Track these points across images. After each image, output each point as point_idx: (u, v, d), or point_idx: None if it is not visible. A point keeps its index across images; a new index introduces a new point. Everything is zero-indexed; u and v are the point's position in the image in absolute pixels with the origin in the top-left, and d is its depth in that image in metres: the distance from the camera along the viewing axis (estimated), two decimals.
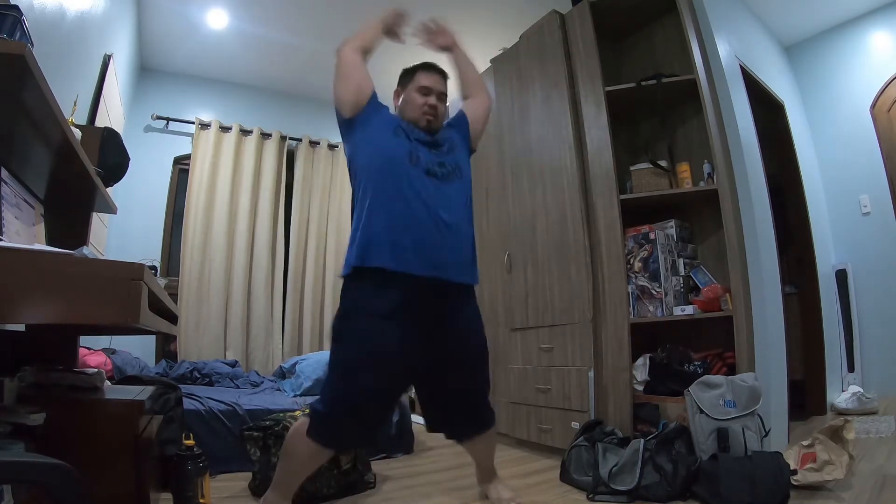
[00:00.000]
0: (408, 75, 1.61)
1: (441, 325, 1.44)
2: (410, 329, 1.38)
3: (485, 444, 1.64)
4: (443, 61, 1.70)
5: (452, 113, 1.76)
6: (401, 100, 1.61)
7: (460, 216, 1.49)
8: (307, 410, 1.79)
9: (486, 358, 1.59)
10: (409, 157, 1.44)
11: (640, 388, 2.16)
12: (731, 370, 2.00)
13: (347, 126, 1.53)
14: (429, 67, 1.60)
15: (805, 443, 1.77)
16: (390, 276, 1.35)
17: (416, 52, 1.78)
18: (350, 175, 1.56)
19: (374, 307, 1.36)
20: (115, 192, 2.13)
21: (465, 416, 1.57)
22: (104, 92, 2.43)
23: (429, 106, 1.54)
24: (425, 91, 1.55)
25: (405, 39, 1.74)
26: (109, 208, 1.78)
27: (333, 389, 1.37)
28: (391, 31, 1.69)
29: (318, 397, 1.41)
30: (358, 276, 1.39)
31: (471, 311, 1.54)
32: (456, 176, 1.52)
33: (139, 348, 3.17)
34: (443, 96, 1.59)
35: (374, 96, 1.54)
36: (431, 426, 1.61)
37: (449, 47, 1.74)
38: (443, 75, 1.62)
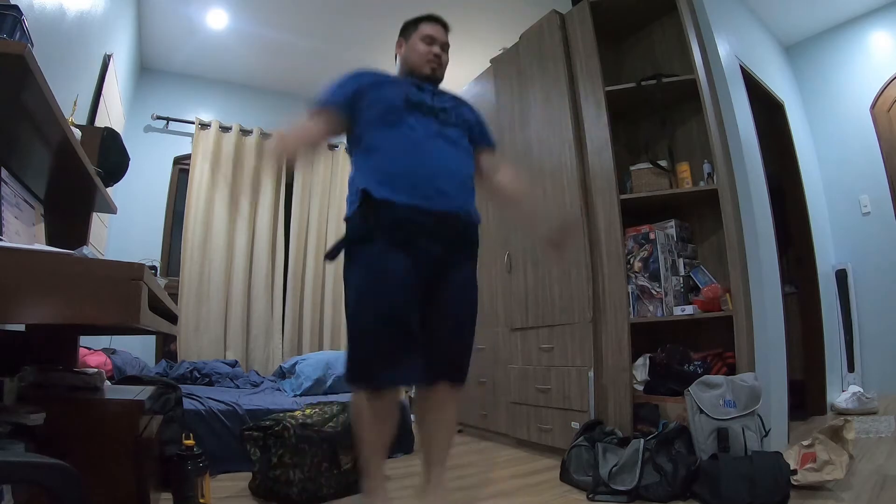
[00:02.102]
0: (411, 26, 1.61)
1: (443, 266, 1.42)
2: (415, 260, 1.36)
3: (444, 406, 1.50)
4: (442, 14, 1.63)
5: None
6: (404, 49, 1.60)
7: (463, 162, 1.49)
8: (308, 411, 1.77)
9: (474, 318, 1.53)
10: (405, 101, 1.44)
11: (640, 388, 2.16)
12: (731, 370, 2.00)
13: (351, 133, 1.52)
14: (432, 19, 1.60)
15: (805, 443, 1.77)
16: (396, 208, 1.34)
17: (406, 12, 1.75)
18: (348, 143, 1.55)
19: (384, 233, 1.34)
20: (115, 192, 2.13)
21: (441, 363, 1.46)
22: (104, 92, 2.43)
23: (433, 54, 1.54)
24: (429, 40, 1.55)
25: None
26: (109, 208, 1.77)
27: (356, 326, 1.36)
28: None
29: (347, 348, 1.40)
30: (360, 212, 1.37)
31: (470, 269, 1.52)
32: (456, 125, 1.50)
33: (139, 348, 3.17)
34: (446, 46, 1.60)
35: (338, 107, 1.47)
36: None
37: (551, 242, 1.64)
38: (445, 27, 1.62)
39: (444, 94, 1.57)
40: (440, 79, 1.58)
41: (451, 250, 1.43)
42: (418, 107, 1.45)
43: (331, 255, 1.45)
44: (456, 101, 1.59)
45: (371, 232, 1.35)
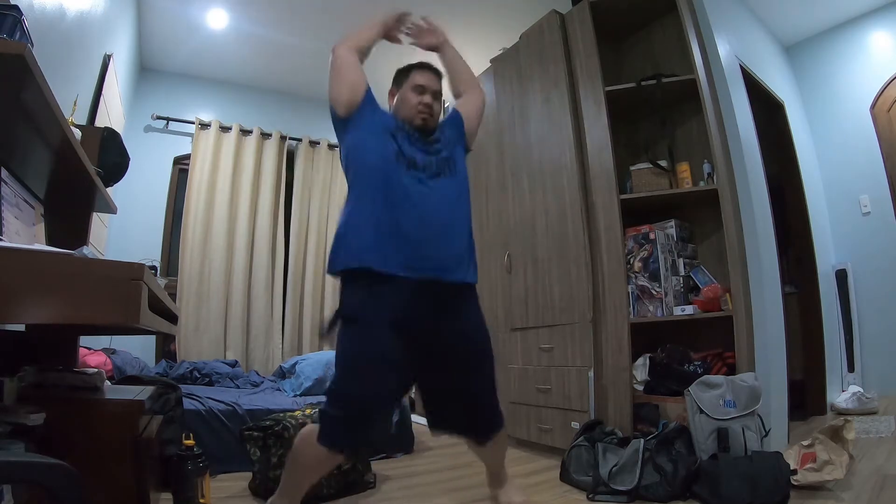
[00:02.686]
0: (402, 75, 1.61)
1: (442, 324, 1.41)
2: (412, 331, 1.36)
3: (493, 446, 1.59)
4: (434, 60, 1.69)
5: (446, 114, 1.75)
6: (395, 99, 1.60)
7: (456, 214, 1.48)
8: (308, 411, 1.78)
9: (490, 358, 1.53)
10: (396, 157, 1.43)
11: (640, 388, 2.16)
12: (731, 370, 2.00)
13: (341, 125, 1.52)
14: (423, 67, 1.60)
15: (805, 443, 1.77)
16: (383, 279, 1.34)
17: (406, 53, 1.77)
18: (345, 172, 1.55)
19: (373, 312, 1.34)
20: (115, 192, 2.13)
21: (471, 417, 1.52)
22: (104, 92, 2.43)
23: (423, 104, 1.53)
24: (420, 90, 1.54)
25: (403, 41, 1.73)
26: (109, 208, 1.77)
27: (342, 396, 1.36)
28: (391, 32, 1.68)
29: (324, 404, 1.39)
30: (352, 279, 1.38)
31: (472, 311, 1.51)
32: (449, 173, 1.50)
33: (139, 348, 3.17)
34: (437, 95, 1.59)
35: (368, 96, 1.52)
36: (434, 425, 1.59)
37: (439, 46, 1.72)
38: (437, 74, 1.62)
39: (436, 140, 1.55)
40: (433, 129, 1.56)
41: (448, 308, 1.43)
42: (411, 162, 1.44)
43: (325, 331, 1.44)
44: (445, 137, 1.57)
45: (364, 309, 1.35)
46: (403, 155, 1.44)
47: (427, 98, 1.54)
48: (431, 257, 1.38)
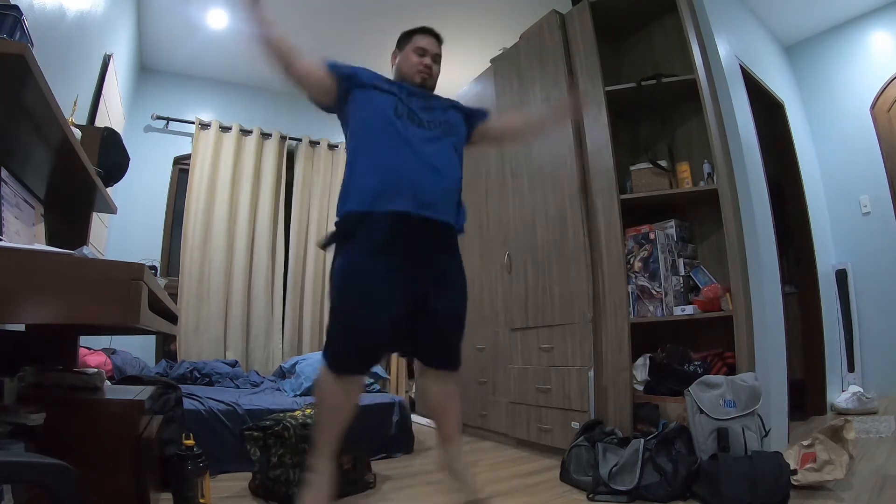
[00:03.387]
0: (406, 38, 1.68)
1: (427, 265, 1.48)
2: (398, 263, 1.42)
3: (449, 388, 1.60)
4: (436, 27, 1.71)
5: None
6: (397, 59, 1.68)
7: (447, 163, 1.53)
8: (308, 411, 1.80)
9: (465, 305, 1.61)
10: (394, 109, 1.50)
11: (640, 388, 2.16)
12: (731, 370, 2.00)
13: (332, 109, 1.60)
14: (426, 31, 1.68)
15: (805, 443, 1.77)
16: (377, 216, 1.41)
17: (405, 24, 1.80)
18: (346, 138, 1.61)
19: (363, 244, 1.41)
20: (115, 192, 2.13)
21: (435, 353, 1.58)
22: (104, 92, 2.43)
23: (424, 65, 1.61)
24: (421, 52, 1.63)
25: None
26: (109, 208, 1.77)
27: (340, 315, 1.45)
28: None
29: (327, 333, 1.50)
30: (347, 221, 1.45)
31: (455, 261, 1.59)
32: (445, 134, 1.56)
33: (139, 348, 3.17)
34: (437, 58, 1.67)
35: (337, 74, 1.55)
36: (406, 352, 1.67)
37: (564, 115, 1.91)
38: (438, 39, 1.69)
39: (433, 100, 1.62)
40: (431, 88, 1.66)
41: (435, 248, 1.50)
42: (407, 115, 1.51)
43: (323, 244, 1.55)
44: (444, 106, 1.64)
45: (358, 235, 1.42)
46: (401, 106, 1.52)
47: (427, 60, 1.63)
48: (427, 198, 1.45)
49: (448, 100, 1.68)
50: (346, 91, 1.55)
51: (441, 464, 1.62)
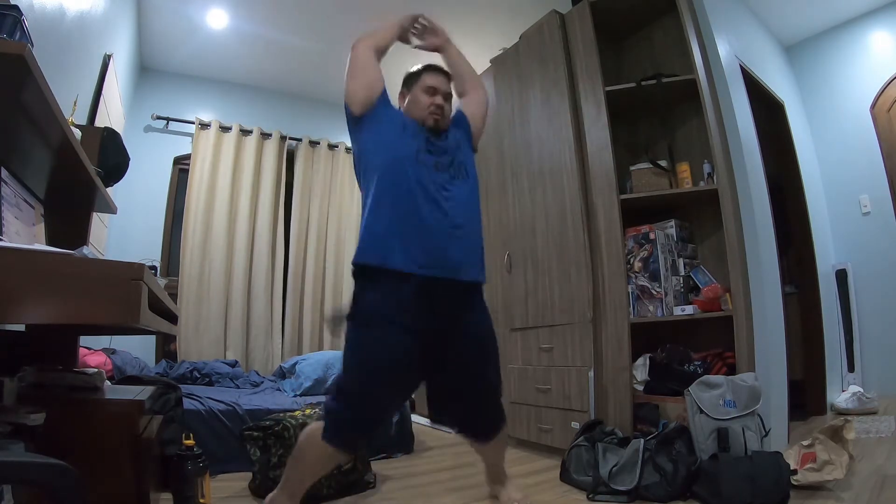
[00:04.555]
0: (413, 77, 1.62)
1: (453, 324, 1.43)
2: (423, 330, 1.37)
3: (494, 445, 1.62)
4: (439, 62, 1.70)
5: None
6: (406, 101, 1.62)
7: (469, 215, 1.49)
8: (308, 411, 1.78)
9: (496, 359, 1.56)
10: (416, 156, 1.44)
11: (640, 388, 2.16)
12: (731, 370, 2.00)
13: (356, 123, 1.52)
14: (434, 69, 1.62)
15: (805, 443, 1.77)
16: (400, 276, 1.35)
17: (407, 54, 1.78)
18: (357, 174, 1.56)
19: (384, 310, 1.35)
20: (115, 192, 2.13)
21: (475, 416, 1.55)
22: (104, 92, 2.43)
23: (435, 105, 1.54)
24: (431, 91, 1.56)
25: (412, 42, 1.74)
26: (109, 208, 1.78)
27: (350, 394, 1.36)
28: (405, 34, 1.70)
29: (331, 401, 1.39)
30: (367, 275, 1.39)
31: (481, 312, 1.53)
32: (463, 175, 1.52)
33: (139, 348, 3.17)
34: (448, 96, 1.61)
35: (384, 95, 1.54)
36: (436, 419, 1.63)
37: (441, 46, 1.73)
38: (447, 76, 1.64)
39: (446, 137, 1.56)
40: (444, 129, 1.57)
41: (459, 307, 1.45)
42: (428, 161, 1.46)
43: (333, 325, 1.48)
44: (453, 137, 1.58)
45: (375, 310, 1.36)
46: (420, 154, 1.46)
47: (438, 99, 1.56)
48: (450, 257, 1.40)
49: (450, 127, 1.62)
50: (378, 114, 1.50)
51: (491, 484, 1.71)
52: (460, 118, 1.69)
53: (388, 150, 1.45)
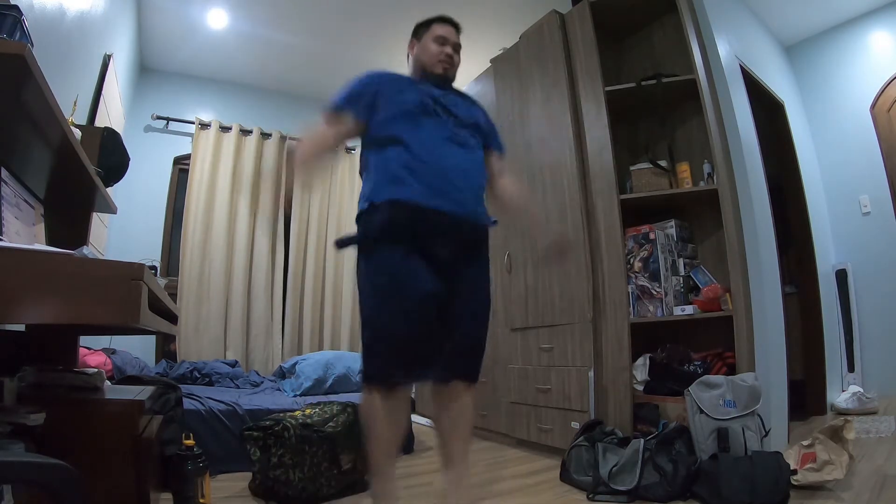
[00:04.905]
0: (423, 27, 1.61)
1: (456, 265, 1.42)
2: (432, 256, 1.36)
3: (463, 409, 1.48)
4: (454, 15, 1.64)
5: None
6: (415, 50, 1.60)
7: (476, 163, 1.49)
8: (308, 411, 1.76)
9: (488, 314, 1.56)
10: (419, 104, 1.44)
11: (640, 388, 2.16)
12: (731, 370, 2.00)
13: (367, 132, 1.50)
14: (444, 20, 1.61)
15: (805, 443, 1.77)
16: (407, 206, 1.34)
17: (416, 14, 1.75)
18: (362, 143, 1.53)
19: (393, 233, 1.34)
20: (115, 192, 2.13)
21: (454, 361, 1.47)
22: (104, 92, 2.43)
23: (445, 55, 1.54)
24: (441, 41, 1.55)
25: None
26: (109, 208, 1.77)
27: (375, 323, 1.35)
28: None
29: (363, 347, 1.38)
30: (374, 210, 1.38)
31: (484, 265, 1.54)
32: (470, 128, 1.51)
33: (139, 348, 3.17)
34: (458, 47, 1.60)
35: (356, 112, 1.47)
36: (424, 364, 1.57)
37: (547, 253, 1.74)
38: (457, 28, 1.63)
39: (457, 95, 1.57)
40: (452, 79, 1.58)
41: (463, 251, 1.44)
42: (433, 110, 1.45)
43: (340, 244, 1.45)
44: (468, 102, 1.59)
45: (386, 232, 1.34)
46: (427, 105, 1.45)
47: (448, 49, 1.55)
48: (460, 197, 1.39)
49: (470, 99, 1.61)
50: (371, 111, 1.47)
51: (443, 487, 1.47)
52: (496, 140, 1.65)
53: (395, 104, 1.44)
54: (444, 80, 1.55)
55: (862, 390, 2.93)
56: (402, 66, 1.69)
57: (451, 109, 1.48)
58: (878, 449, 2.11)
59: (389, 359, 1.33)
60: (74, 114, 1.76)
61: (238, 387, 2.90)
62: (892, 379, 3.04)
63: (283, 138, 4.14)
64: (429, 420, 3.36)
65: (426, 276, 1.34)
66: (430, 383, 1.54)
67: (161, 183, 3.80)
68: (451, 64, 1.56)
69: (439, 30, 1.57)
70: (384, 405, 1.34)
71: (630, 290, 2.27)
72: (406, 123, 1.42)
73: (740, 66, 2.62)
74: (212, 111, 3.96)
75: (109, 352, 2.47)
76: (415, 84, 1.51)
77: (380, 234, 1.36)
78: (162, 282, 3.51)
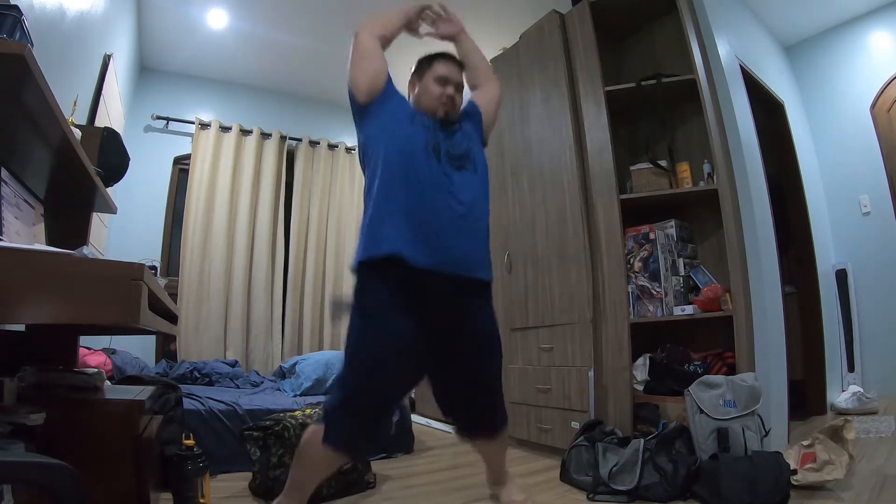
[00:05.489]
0: (424, 65, 1.58)
1: (459, 321, 1.40)
2: (428, 325, 1.34)
3: (496, 445, 1.60)
4: (452, 51, 1.66)
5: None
6: (416, 89, 1.58)
7: (476, 209, 1.47)
8: (308, 411, 1.76)
9: (500, 360, 1.55)
10: (424, 148, 1.41)
11: (640, 388, 2.16)
12: (731, 370, 2.00)
13: (361, 113, 1.49)
14: (446, 57, 1.58)
15: (805, 443, 1.77)
16: (406, 270, 1.31)
17: (422, 44, 1.74)
18: (362, 163, 1.52)
19: (389, 299, 1.32)
20: (115, 192, 2.13)
21: (477, 415, 1.52)
22: (104, 92, 2.43)
23: (447, 97, 1.51)
24: (443, 81, 1.52)
25: (423, 34, 1.69)
26: (109, 208, 1.77)
27: (351, 389, 1.34)
28: (412, 24, 1.65)
29: (331, 402, 1.36)
30: (372, 268, 1.35)
31: (488, 313, 1.51)
32: (471, 168, 1.49)
33: (139, 348, 3.17)
34: (460, 87, 1.57)
35: (389, 83, 1.49)
36: (445, 414, 1.57)
37: (456, 35, 1.69)
38: (460, 66, 1.60)
39: (456, 129, 1.53)
40: (454, 121, 1.54)
41: (465, 304, 1.42)
42: (437, 151, 1.43)
43: (337, 312, 1.46)
44: (464, 129, 1.55)
45: (380, 293, 1.33)
46: (429, 146, 1.42)
47: (450, 90, 1.52)
48: (458, 254, 1.37)
49: (462, 118, 1.59)
50: (384, 103, 1.46)
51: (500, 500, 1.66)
52: (472, 109, 1.65)
53: (395, 141, 1.41)
54: (446, 122, 1.51)
55: (862, 390, 2.93)
56: (402, 66, 1.68)
57: (452, 147, 1.47)
58: (878, 449, 2.11)
59: (354, 428, 1.34)
60: (74, 114, 1.76)
61: (238, 387, 2.89)
62: (892, 379, 3.04)
63: (282, 138, 4.14)
64: (429, 420, 3.36)
65: (415, 343, 1.33)
66: (469, 437, 1.59)
67: (161, 183, 3.80)
68: (453, 106, 1.53)
69: (441, 69, 1.54)
70: (325, 456, 1.34)
71: (630, 290, 2.27)
72: (412, 167, 1.38)
73: (740, 66, 2.62)
74: (212, 111, 3.97)
75: (109, 352, 2.47)
76: (418, 122, 1.47)
77: (373, 300, 1.34)
78: (162, 282, 3.51)
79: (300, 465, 1.41)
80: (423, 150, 1.40)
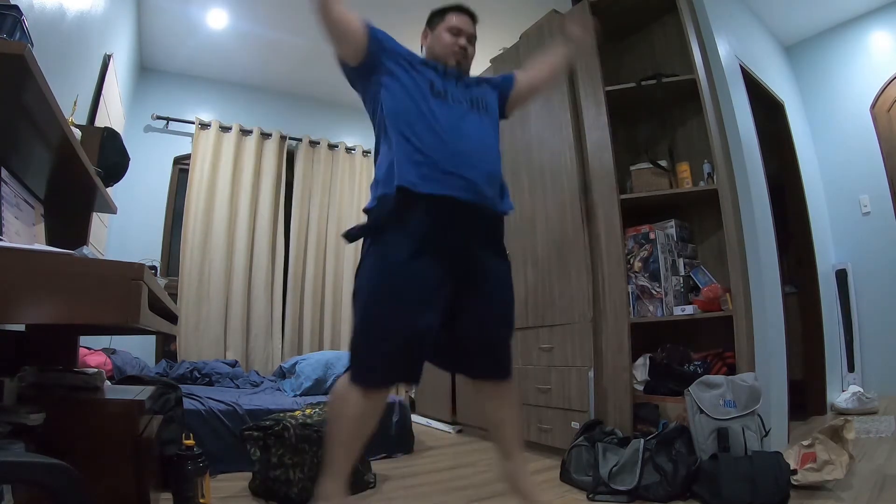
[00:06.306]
0: (437, 16, 1.56)
1: (477, 252, 1.37)
2: (444, 251, 1.30)
3: (505, 400, 1.47)
4: (472, 6, 1.59)
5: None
6: (428, 39, 1.56)
7: (490, 144, 1.44)
8: (308, 411, 1.75)
9: (512, 316, 1.51)
10: (430, 87, 1.38)
11: (640, 388, 2.16)
12: (731, 370, 2.00)
13: (356, 73, 1.45)
14: (460, 9, 1.55)
15: (805, 443, 1.77)
16: (419, 197, 1.27)
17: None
18: (370, 116, 1.49)
19: (403, 226, 1.28)
20: (115, 192, 2.13)
21: (483, 361, 1.44)
22: (104, 92, 2.43)
23: (459, 46, 1.49)
24: (456, 31, 1.50)
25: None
26: (109, 208, 1.77)
27: (370, 318, 1.29)
28: None
29: (352, 342, 1.32)
30: (384, 202, 1.32)
31: (502, 255, 1.47)
32: (482, 111, 1.46)
33: (139, 348, 3.17)
34: (472, 38, 1.55)
35: (373, 34, 1.42)
36: (448, 366, 1.51)
37: (578, 43, 1.69)
38: (473, 18, 1.57)
39: (469, 80, 1.51)
40: (466, 71, 1.52)
41: (481, 245, 1.39)
42: (446, 93, 1.40)
43: (349, 236, 1.39)
44: (480, 84, 1.53)
45: (395, 224, 1.29)
46: (436, 87, 1.40)
47: (462, 40, 1.50)
48: (475, 184, 1.33)
49: (488, 79, 1.58)
50: (376, 57, 1.40)
51: (504, 479, 1.49)
52: (506, 77, 1.62)
53: (400, 86, 1.39)
54: (458, 72, 1.48)
55: (862, 390, 2.93)
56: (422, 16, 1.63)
57: (463, 90, 1.44)
58: (878, 449, 2.11)
59: (378, 360, 1.27)
60: (74, 114, 1.76)
61: (238, 387, 2.90)
62: (892, 379, 3.04)
63: (282, 138, 4.14)
64: (429, 420, 3.36)
65: (433, 282, 1.29)
66: (465, 378, 1.50)
67: (161, 183, 3.80)
68: (465, 56, 1.50)
69: (454, 19, 1.51)
70: (360, 403, 1.27)
71: (630, 290, 2.27)
72: (420, 106, 1.35)
73: (740, 66, 2.62)
74: (212, 111, 3.97)
75: (109, 352, 2.47)
76: (425, 67, 1.44)
77: (390, 225, 1.30)
78: (162, 282, 3.50)
79: (336, 434, 1.31)
80: (432, 91, 1.39)
